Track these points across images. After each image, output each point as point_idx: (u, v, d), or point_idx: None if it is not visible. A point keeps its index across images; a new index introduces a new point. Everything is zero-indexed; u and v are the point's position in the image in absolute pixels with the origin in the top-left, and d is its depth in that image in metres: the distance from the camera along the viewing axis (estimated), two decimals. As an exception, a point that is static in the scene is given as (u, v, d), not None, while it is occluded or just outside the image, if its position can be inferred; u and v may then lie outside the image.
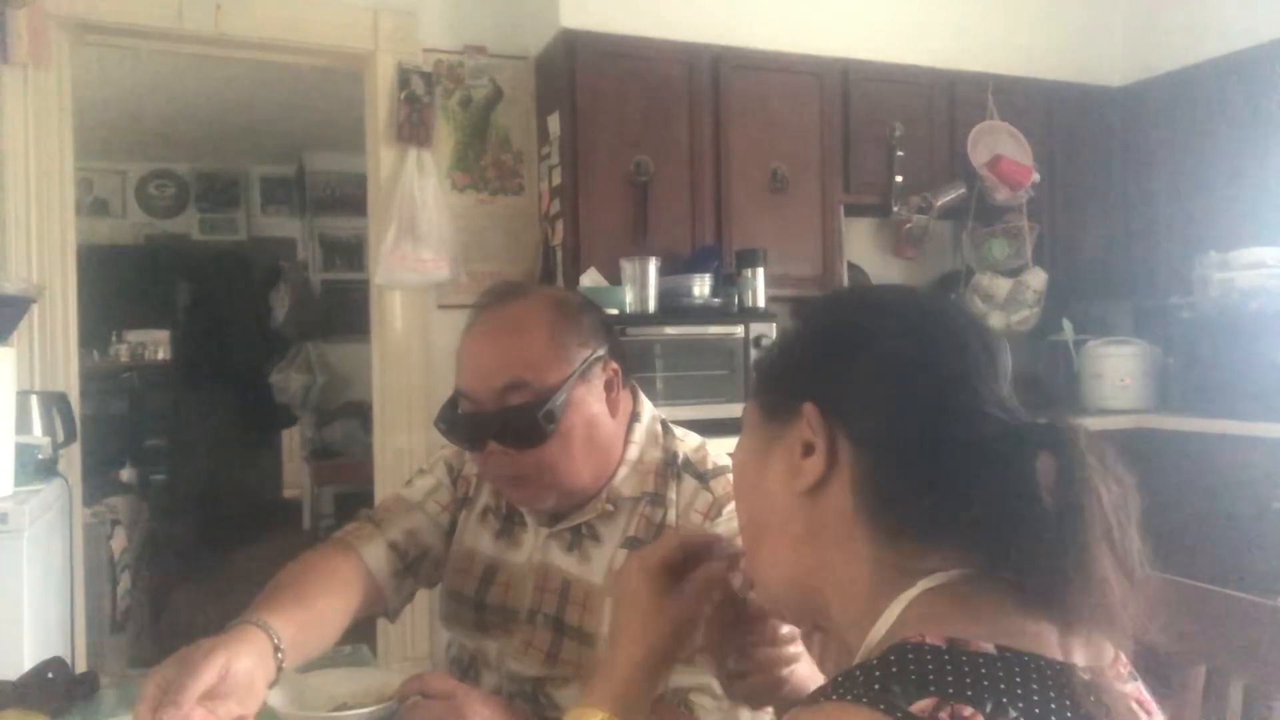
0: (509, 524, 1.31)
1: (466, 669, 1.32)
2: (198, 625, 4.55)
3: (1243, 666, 1.15)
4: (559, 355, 1.16)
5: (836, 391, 0.69)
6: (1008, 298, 3.67)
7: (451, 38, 3.35)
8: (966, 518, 0.65)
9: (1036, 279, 3.66)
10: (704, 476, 1.23)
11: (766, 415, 0.75)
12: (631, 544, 1.20)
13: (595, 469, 1.21)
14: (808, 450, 0.70)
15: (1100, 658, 0.64)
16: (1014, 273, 3.68)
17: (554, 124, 3.24)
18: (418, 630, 3.29)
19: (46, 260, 2.92)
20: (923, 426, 0.67)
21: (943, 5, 3.65)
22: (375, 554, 1.29)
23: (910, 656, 0.58)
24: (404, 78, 3.23)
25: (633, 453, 1.25)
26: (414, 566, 1.33)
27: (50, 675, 1.31)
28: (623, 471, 1.24)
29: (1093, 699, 0.58)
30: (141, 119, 5.67)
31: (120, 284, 6.03)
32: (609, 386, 1.22)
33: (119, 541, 3.44)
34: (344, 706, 1.20)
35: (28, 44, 2.80)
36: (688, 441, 1.28)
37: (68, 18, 2.94)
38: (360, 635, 2.35)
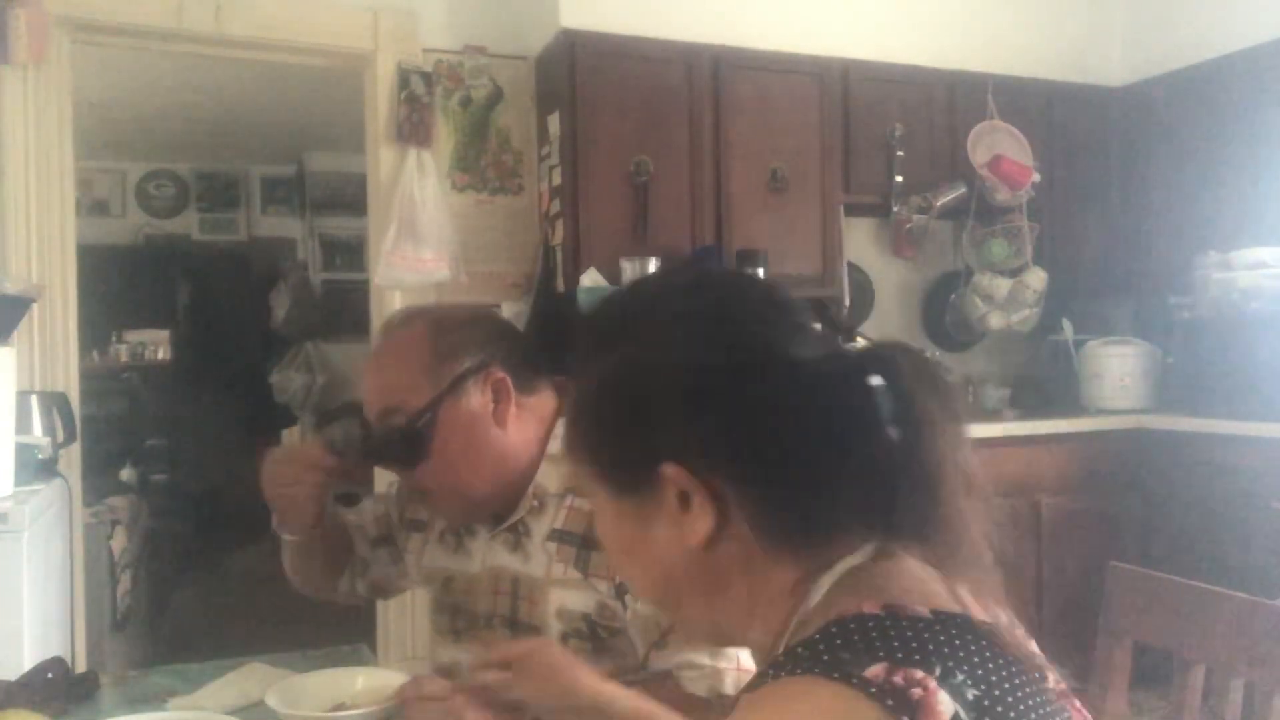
0: (460, 538, 1.38)
1: (445, 677, 1.36)
2: (198, 625, 4.56)
3: (1243, 666, 1.15)
4: (426, 379, 1.23)
5: (679, 440, 0.66)
6: (1008, 298, 3.67)
7: (451, 38, 3.35)
8: (847, 483, 0.65)
9: (1036, 279, 3.66)
10: None
11: (620, 490, 0.71)
12: (558, 537, 1.25)
13: (492, 476, 1.26)
14: (684, 503, 0.66)
15: (999, 618, 0.65)
16: (1014, 273, 3.68)
17: (554, 124, 3.24)
18: (418, 630, 3.29)
19: (46, 260, 2.91)
20: (768, 426, 0.65)
21: (943, 5, 3.65)
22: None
23: (852, 626, 0.59)
24: (404, 78, 3.23)
25: (554, 447, 1.28)
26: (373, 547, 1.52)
27: (50, 675, 1.31)
28: (544, 467, 1.28)
29: (1013, 656, 0.59)
30: (141, 119, 5.67)
31: (120, 284, 6.03)
32: (497, 396, 1.25)
33: (119, 541, 3.44)
34: (343, 706, 1.20)
35: (28, 44, 2.80)
36: None
37: (68, 18, 2.94)
38: (360, 635, 2.35)
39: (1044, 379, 4.00)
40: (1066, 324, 3.86)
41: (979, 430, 3.31)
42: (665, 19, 3.22)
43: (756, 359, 0.66)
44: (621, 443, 0.70)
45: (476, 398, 1.24)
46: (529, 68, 3.43)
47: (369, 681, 1.27)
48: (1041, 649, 0.67)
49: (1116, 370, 3.68)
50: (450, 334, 1.27)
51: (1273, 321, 3.19)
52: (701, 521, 0.66)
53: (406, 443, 1.23)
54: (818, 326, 0.70)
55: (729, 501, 0.66)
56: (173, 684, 1.37)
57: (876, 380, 0.64)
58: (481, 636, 1.31)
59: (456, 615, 1.36)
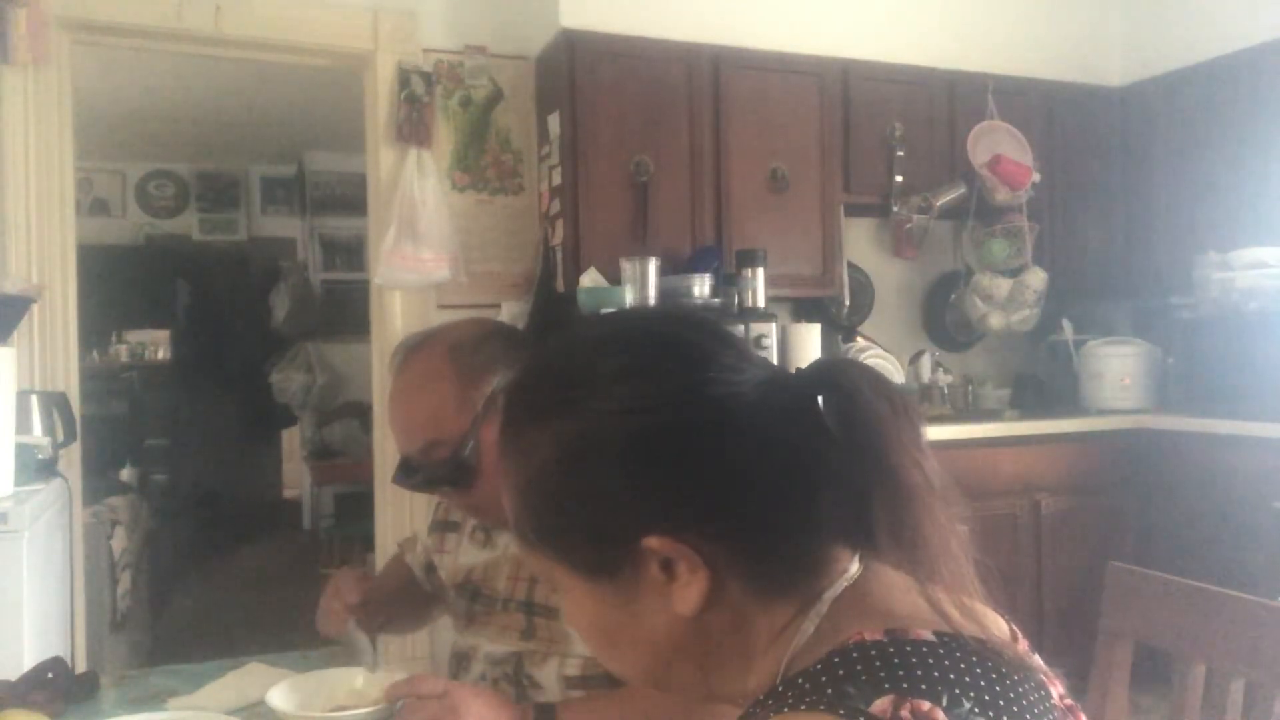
0: (489, 533, 1.42)
1: (460, 663, 1.40)
2: (198, 625, 4.56)
3: (1243, 666, 1.15)
4: (459, 404, 1.25)
5: (650, 508, 0.63)
6: (1008, 298, 3.67)
7: (451, 38, 3.35)
8: (824, 510, 0.64)
9: (1036, 279, 3.66)
10: None
11: (594, 572, 0.66)
12: None
13: None
14: (668, 572, 0.63)
15: (1000, 629, 0.64)
16: (1014, 273, 3.68)
17: (554, 124, 3.24)
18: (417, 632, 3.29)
19: (46, 260, 2.91)
20: (735, 473, 0.63)
21: (943, 5, 3.65)
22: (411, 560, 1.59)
23: (855, 655, 0.57)
24: (404, 78, 3.23)
25: None
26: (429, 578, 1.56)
27: (50, 675, 1.31)
28: None
29: (1019, 676, 0.59)
30: (141, 119, 5.67)
31: (120, 284, 6.03)
32: None
33: (119, 541, 3.44)
34: (342, 707, 1.20)
35: (28, 44, 2.80)
36: None
37: (68, 18, 2.94)
38: (360, 635, 2.34)
39: (1044, 379, 4.00)
40: (1066, 324, 3.86)
41: (979, 430, 3.32)
42: (665, 19, 3.22)
43: (708, 407, 0.63)
44: (589, 523, 0.65)
45: None
46: (529, 68, 3.43)
47: (369, 681, 1.28)
48: (1041, 649, 0.66)
49: (1116, 370, 3.68)
50: (469, 355, 1.28)
51: (1273, 321, 3.19)
52: (693, 588, 0.63)
53: (456, 470, 1.26)
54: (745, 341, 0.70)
55: (715, 560, 0.63)
56: (173, 684, 1.38)
57: (826, 399, 0.63)
58: (496, 618, 1.34)
59: (475, 600, 1.38)
